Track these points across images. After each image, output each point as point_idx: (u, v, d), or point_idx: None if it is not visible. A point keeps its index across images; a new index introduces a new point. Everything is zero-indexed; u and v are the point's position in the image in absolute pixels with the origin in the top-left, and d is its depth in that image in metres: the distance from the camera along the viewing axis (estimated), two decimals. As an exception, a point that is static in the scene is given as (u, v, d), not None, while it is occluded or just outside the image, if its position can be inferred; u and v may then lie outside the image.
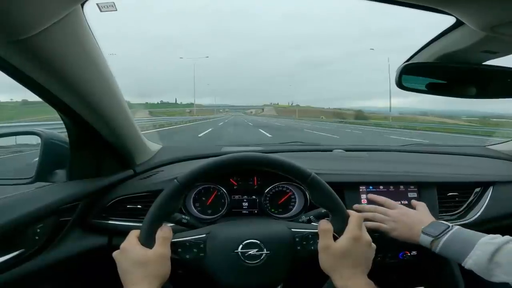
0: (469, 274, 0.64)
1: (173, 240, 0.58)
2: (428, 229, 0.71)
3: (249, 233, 0.62)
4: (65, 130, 0.79)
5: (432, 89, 0.66)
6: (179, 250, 0.59)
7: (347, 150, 1.21)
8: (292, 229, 0.64)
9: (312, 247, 0.60)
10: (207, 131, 12.12)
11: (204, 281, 0.63)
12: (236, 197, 0.92)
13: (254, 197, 0.93)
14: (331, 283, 0.56)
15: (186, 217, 0.76)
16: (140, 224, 0.58)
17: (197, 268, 0.60)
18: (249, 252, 0.59)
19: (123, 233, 0.60)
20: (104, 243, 0.84)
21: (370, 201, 0.87)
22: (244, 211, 0.93)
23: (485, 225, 0.91)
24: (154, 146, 1.09)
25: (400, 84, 0.63)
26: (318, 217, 0.78)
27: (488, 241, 0.63)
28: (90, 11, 0.52)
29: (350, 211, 0.60)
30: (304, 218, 0.80)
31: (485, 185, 0.98)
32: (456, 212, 0.95)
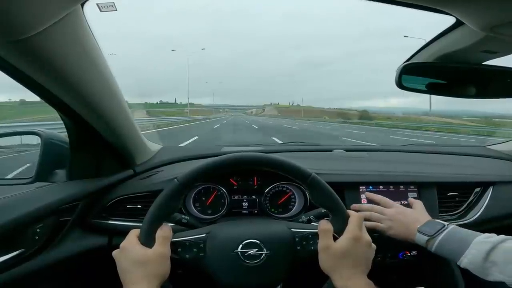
0: (469, 275, 0.64)
1: (173, 239, 0.59)
2: (424, 228, 0.71)
3: (249, 233, 0.62)
4: (65, 130, 0.79)
5: (432, 89, 0.66)
6: (179, 249, 0.60)
7: (347, 150, 1.21)
8: (292, 229, 0.64)
9: (312, 247, 0.60)
10: (188, 142, 7.97)
11: (204, 281, 0.63)
12: (236, 197, 0.92)
13: (254, 197, 0.93)
14: (331, 283, 0.56)
15: (186, 217, 0.76)
16: (140, 224, 0.58)
17: (196, 268, 0.60)
18: (249, 252, 0.59)
19: (123, 233, 0.60)
20: (104, 243, 0.84)
21: (368, 200, 0.87)
22: (244, 211, 0.93)
23: (485, 225, 0.91)
24: (154, 146, 1.09)
25: (400, 84, 0.63)
26: (318, 217, 0.78)
27: (483, 240, 0.63)
28: (90, 11, 0.52)
29: (350, 211, 0.60)
30: (304, 218, 0.80)
31: (485, 185, 0.98)
32: (456, 212, 0.95)
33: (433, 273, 1.00)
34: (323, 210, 0.64)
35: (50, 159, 0.81)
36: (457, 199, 0.97)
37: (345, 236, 0.56)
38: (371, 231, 0.72)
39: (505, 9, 0.39)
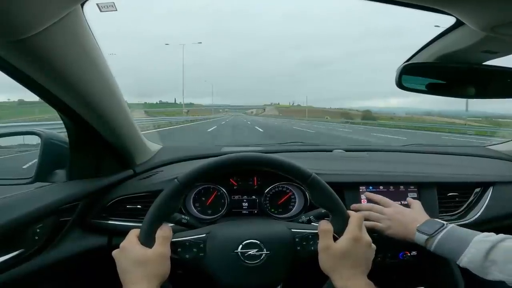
0: (468, 274, 0.64)
1: (173, 239, 0.59)
2: (423, 227, 0.71)
3: (249, 233, 0.62)
4: (65, 130, 0.79)
5: (432, 89, 0.66)
6: (179, 249, 0.60)
7: (347, 150, 1.21)
8: (292, 230, 0.63)
9: (312, 248, 0.60)
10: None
11: (204, 281, 0.63)
12: (236, 197, 0.92)
13: (254, 197, 0.93)
14: (330, 283, 0.56)
15: (186, 217, 0.76)
16: (140, 224, 0.58)
17: (196, 268, 0.60)
18: (249, 252, 0.59)
19: (123, 233, 0.60)
20: (104, 243, 0.84)
21: (368, 200, 0.87)
22: (244, 211, 0.92)
23: (485, 226, 0.91)
24: (154, 146, 1.09)
25: (400, 84, 0.63)
26: (318, 217, 0.78)
27: (482, 239, 0.63)
28: (90, 11, 0.52)
29: (350, 212, 0.60)
30: (304, 218, 0.80)
31: (485, 185, 0.98)
32: (456, 212, 0.95)
33: (433, 273, 1.00)
34: (323, 210, 0.64)
35: (50, 159, 0.81)
36: (457, 199, 0.97)
37: (345, 237, 0.56)
38: (371, 230, 0.72)
39: (505, 9, 0.39)
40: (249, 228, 0.65)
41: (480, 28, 0.44)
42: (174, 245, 0.59)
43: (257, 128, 15.98)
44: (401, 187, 0.94)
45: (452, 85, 0.65)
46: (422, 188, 0.94)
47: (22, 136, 0.94)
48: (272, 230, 0.64)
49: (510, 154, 1.23)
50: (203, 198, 0.91)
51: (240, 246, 0.60)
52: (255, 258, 0.59)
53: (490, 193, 0.97)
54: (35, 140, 0.83)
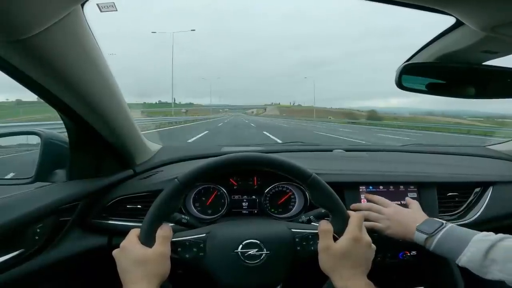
0: (468, 274, 0.64)
1: (173, 239, 0.59)
2: (422, 227, 0.71)
3: (249, 233, 0.62)
4: (65, 130, 0.79)
5: (432, 89, 0.66)
6: (179, 249, 0.60)
7: (347, 150, 1.21)
8: (292, 230, 0.64)
9: (312, 248, 0.60)
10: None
11: (204, 281, 0.63)
12: (236, 197, 0.92)
13: (254, 197, 0.93)
14: (330, 283, 0.56)
15: (186, 217, 0.76)
16: (140, 224, 0.58)
17: (196, 268, 0.60)
18: (249, 252, 0.59)
19: (123, 233, 0.60)
20: (104, 243, 0.84)
21: (367, 200, 0.88)
22: (244, 211, 0.93)
23: (485, 225, 0.91)
24: (154, 146, 1.09)
25: (399, 84, 0.63)
26: (318, 217, 0.78)
27: (482, 238, 0.63)
28: (90, 11, 0.52)
29: (350, 212, 0.60)
30: (304, 218, 0.80)
31: (485, 185, 0.98)
32: (456, 212, 0.95)
33: (433, 273, 1.00)
34: (323, 210, 0.64)
35: (50, 159, 0.81)
36: (457, 199, 0.97)
37: (345, 237, 0.56)
38: (370, 231, 0.73)
39: (505, 9, 0.39)
40: (249, 228, 0.66)
41: (480, 28, 0.44)
42: (174, 245, 0.59)
43: (266, 133, 11.40)
44: (401, 187, 0.94)
45: (452, 85, 0.65)
46: (422, 188, 0.94)
47: (22, 136, 0.94)
48: (272, 230, 0.64)
49: (510, 154, 1.23)
50: (203, 198, 0.91)
51: (240, 246, 0.60)
52: (255, 258, 0.59)
53: (490, 193, 0.97)
54: (35, 140, 0.83)
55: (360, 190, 0.92)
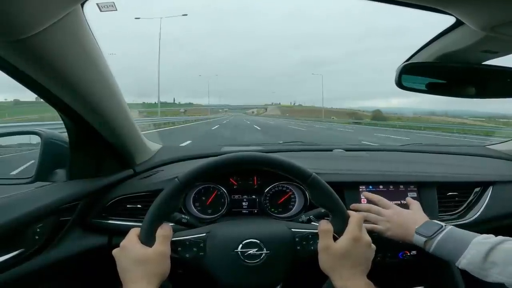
0: (469, 276, 0.64)
1: (173, 239, 0.59)
2: (421, 229, 0.71)
3: (249, 232, 0.62)
4: (65, 130, 0.79)
5: (432, 89, 0.66)
6: (179, 249, 0.60)
7: (347, 150, 1.21)
8: (292, 229, 0.64)
9: (312, 247, 0.60)
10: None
11: (204, 281, 0.63)
12: (236, 196, 0.93)
13: (254, 196, 0.93)
14: (330, 283, 0.56)
15: (186, 217, 0.76)
16: (140, 224, 0.58)
17: (196, 267, 0.61)
18: (249, 252, 0.59)
19: (123, 232, 0.60)
20: (104, 242, 0.84)
21: (367, 200, 0.87)
22: (244, 211, 0.93)
23: (485, 225, 0.91)
24: (154, 145, 1.09)
25: (399, 84, 0.63)
26: (318, 217, 0.78)
27: (482, 241, 0.63)
28: (90, 11, 0.52)
29: (350, 212, 0.60)
30: (304, 218, 0.80)
31: (485, 185, 0.98)
32: (456, 212, 0.95)
33: (433, 272, 1.00)
34: (323, 210, 0.64)
35: (50, 159, 0.81)
36: (456, 199, 0.97)
37: (345, 237, 0.56)
38: (369, 232, 0.73)
39: (505, 9, 0.39)
40: (249, 227, 0.66)
41: (480, 28, 0.44)
42: (174, 244, 0.59)
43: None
44: (401, 186, 0.94)
45: (452, 84, 0.65)
46: (422, 188, 0.94)
47: (22, 136, 0.94)
48: (272, 229, 0.64)
49: (510, 153, 1.23)
50: (203, 198, 0.91)
51: (240, 245, 0.60)
52: (255, 257, 0.59)
53: (490, 192, 0.97)
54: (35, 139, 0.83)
55: (360, 190, 0.92)
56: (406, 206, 0.82)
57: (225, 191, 0.91)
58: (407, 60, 0.63)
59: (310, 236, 0.62)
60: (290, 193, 0.93)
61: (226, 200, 0.91)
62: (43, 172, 0.80)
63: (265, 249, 0.60)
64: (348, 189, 0.91)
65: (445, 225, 0.70)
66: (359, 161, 1.09)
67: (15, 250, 0.66)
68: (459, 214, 0.95)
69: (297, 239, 0.62)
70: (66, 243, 0.77)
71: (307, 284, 0.78)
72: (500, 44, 0.51)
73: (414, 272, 1.03)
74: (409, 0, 0.39)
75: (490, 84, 0.63)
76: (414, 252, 0.92)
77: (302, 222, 0.79)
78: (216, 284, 0.60)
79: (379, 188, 0.93)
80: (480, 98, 0.66)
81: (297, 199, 0.92)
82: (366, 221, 0.78)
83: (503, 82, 0.63)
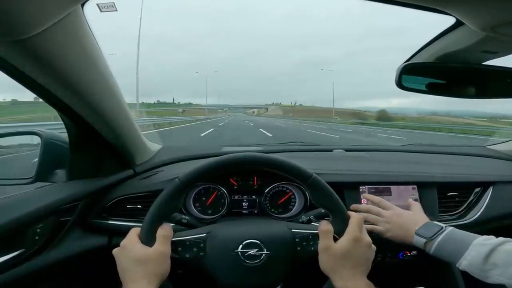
0: (469, 276, 0.64)
1: (173, 239, 0.59)
2: (421, 231, 0.71)
3: (249, 233, 0.62)
4: (65, 130, 0.79)
5: (432, 89, 0.66)
6: (179, 249, 0.60)
7: (347, 150, 1.21)
8: (292, 230, 0.64)
9: (312, 248, 0.60)
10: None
11: (204, 281, 0.63)
12: (236, 197, 0.92)
13: (254, 197, 0.93)
14: (330, 283, 0.56)
15: (186, 217, 0.76)
16: (140, 224, 0.58)
17: (197, 267, 0.60)
18: (249, 252, 0.59)
19: (123, 233, 0.60)
20: (104, 243, 0.84)
21: (367, 201, 0.87)
22: (244, 211, 0.93)
23: (485, 225, 0.91)
24: (154, 146, 1.09)
25: (399, 84, 0.63)
26: (318, 217, 0.78)
27: (482, 242, 0.63)
28: (90, 11, 0.52)
29: (350, 212, 0.60)
30: (304, 218, 0.80)
31: (485, 185, 0.98)
32: (456, 212, 0.95)
33: (434, 273, 1.00)
34: (323, 210, 0.64)
35: (50, 159, 0.81)
36: (457, 199, 0.97)
37: (345, 237, 0.56)
38: (369, 232, 0.72)
39: (505, 9, 0.39)
40: (249, 228, 0.66)
41: (480, 28, 0.44)
42: (174, 244, 0.59)
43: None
44: (401, 187, 0.94)
45: (452, 85, 0.65)
46: (422, 188, 0.94)
47: (23, 136, 0.94)
48: (272, 230, 0.64)
49: (510, 153, 1.23)
50: (203, 198, 0.91)
51: (240, 246, 0.60)
52: (255, 258, 0.59)
53: (490, 193, 0.97)
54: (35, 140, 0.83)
55: (360, 190, 0.92)
56: (406, 207, 0.82)
57: (225, 191, 0.91)
58: (407, 60, 0.63)
59: (310, 237, 0.62)
60: (290, 193, 0.93)
61: (226, 201, 0.91)
62: (43, 173, 0.80)
63: (265, 249, 0.60)
64: (348, 190, 0.91)
65: (445, 226, 0.70)
66: (359, 161, 1.09)
67: (15, 251, 0.66)
68: (459, 214, 0.95)
69: (297, 240, 0.62)
70: (66, 244, 0.77)
71: (307, 284, 0.78)
72: (500, 44, 0.51)
73: (414, 273, 1.03)
74: (409, 0, 0.39)
75: (490, 84, 0.63)
76: (414, 253, 0.92)
77: (302, 222, 0.79)
78: (216, 285, 0.60)
79: (379, 188, 0.93)
80: (480, 98, 0.66)
81: (297, 200, 0.92)
82: (366, 222, 0.78)
83: (503, 82, 0.63)
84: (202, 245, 0.60)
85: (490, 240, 0.63)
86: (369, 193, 0.91)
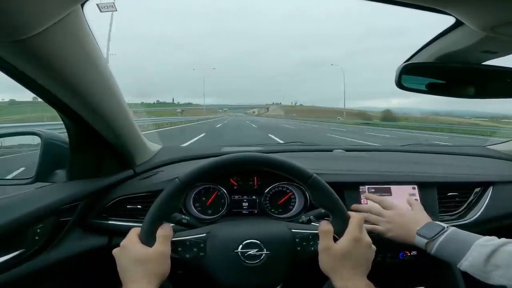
0: (470, 277, 0.64)
1: (173, 239, 0.59)
2: (423, 231, 0.70)
3: (249, 233, 0.62)
4: (65, 130, 0.79)
5: (432, 89, 0.66)
6: (179, 249, 0.60)
7: (347, 150, 1.21)
8: (292, 230, 0.64)
9: (312, 248, 0.60)
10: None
11: (204, 281, 0.63)
12: (236, 197, 0.92)
13: (254, 197, 0.93)
14: (330, 284, 0.56)
15: (186, 217, 0.76)
16: (140, 224, 0.58)
17: (197, 267, 0.60)
18: (249, 252, 0.59)
19: (123, 233, 0.60)
20: (104, 243, 0.84)
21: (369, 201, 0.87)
22: (244, 211, 0.93)
23: (485, 225, 0.91)
24: (154, 146, 1.09)
25: (399, 84, 0.63)
26: (318, 217, 0.78)
27: (484, 243, 0.62)
28: (90, 11, 0.52)
29: (350, 213, 0.60)
30: (304, 218, 0.80)
31: (485, 185, 0.98)
32: (456, 212, 0.95)
33: (434, 273, 1.00)
34: (323, 211, 0.64)
35: (50, 159, 0.81)
36: (457, 199, 0.97)
37: (346, 237, 0.56)
38: (370, 232, 0.72)
39: (505, 9, 0.39)
40: (249, 228, 0.66)
41: (480, 28, 0.44)
42: (174, 244, 0.59)
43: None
44: (401, 186, 0.94)
45: (451, 85, 0.65)
46: (422, 188, 0.94)
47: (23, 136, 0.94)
48: (272, 230, 0.64)
49: (510, 153, 1.23)
50: (203, 198, 0.91)
51: (240, 246, 0.60)
52: (255, 258, 0.59)
53: (490, 193, 0.97)
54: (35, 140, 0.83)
55: (360, 190, 0.92)
56: (407, 207, 0.82)
57: (225, 191, 0.91)
58: (407, 60, 0.63)
59: (310, 237, 0.62)
60: (290, 193, 0.93)
61: (226, 201, 0.91)
62: (43, 173, 0.80)
63: (265, 249, 0.60)
64: (348, 190, 0.91)
65: (447, 227, 0.69)
66: (359, 161, 1.09)
67: (16, 251, 0.66)
68: (459, 214, 0.95)
69: (297, 240, 0.62)
70: (66, 244, 0.77)
71: (307, 284, 0.78)
72: (500, 44, 0.51)
73: (414, 273, 1.03)
74: (409, 0, 0.39)
75: (490, 84, 0.63)
76: (414, 253, 0.92)
77: (302, 222, 0.79)
78: (216, 285, 0.60)
79: (379, 188, 0.93)
80: (480, 98, 0.66)
81: (297, 200, 0.92)
82: (367, 222, 0.78)
83: (503, 82, 0.63)
84: (202, 245, 0.60)
85: (492, 241, 0.62)
86: (369, 193, 0.90)
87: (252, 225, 0.70)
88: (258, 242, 0.60)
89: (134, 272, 0.54)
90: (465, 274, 0.64)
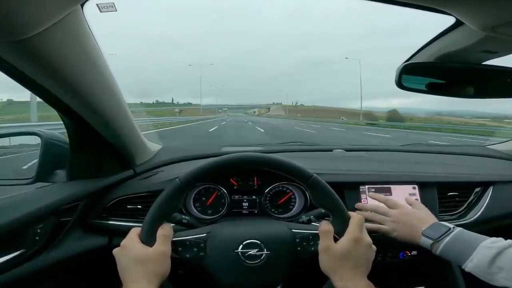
0: (469, 274, 0.64)
1: (173, 239, 0.59)
2: (428, 232, 0.70)
3: (250, 233, 0.62)
4: (65, 130, 0.79)
5: (432, 89, 0.66)
6: (180, 249, 0.60)
7: (347, 150, 1.21)
8: (293, 230, 0.64)
9: (313, 248, 0.60)
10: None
11: (204, 281, 0.63)
12: (236, 197, 0.92)
13: (254, 197, 0.93)
14: (331, 284, 0.56)
15: (186, 217, 0.76)
16: (140, 224, 0.58)
17: (197, 267, 0.61)
18: (249, 252, 0.59)
19: (123, 233, 0.60)
20: (104, 243, 0.84)
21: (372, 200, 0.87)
22: (244, 211, 0.93)
23: (485, 225, 0.92)
24: (154, 146, 1.09)
25: (400, 84, 0.63)
26: (319, 217, 0.78)
27: (489, 245, 0.62)
28: (90, 11, 0.52)
29: (351, 213, 0.60)
30: (304, 218, 0.80)
31: (485, 185, 0.98)
32: (456, 212, 0.95)
33: (434, 273, 1.00)
34: (324, 210, 0.64)
35: (50, 159, 0.81)
36: (457, 199, 0.97)
37: (346, 238, 0.56)
38: (372, 231, 0.72)
39: (505, 9, 0.39)
40: (249, 228, 0.66)
41: (480, 28, 0.44)
42: (174, 244, 0.59)
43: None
44: (401, 186, 0.94)
45: (451, 84, 0.65)
46: (422, 188, 0.94)
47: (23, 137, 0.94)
48: (272, 230, 0.64)
49: (510, 153, 1.23)
50: (203, 198, 0.91)
51: (241, 246, 0.60)
52: (256, 258, 0.59)
53: (490, 192, 0.97)
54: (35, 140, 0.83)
55: (361, 190, 0.92)
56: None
57: (225, 191, 0.91)
58: (407, 60, 0.63)
59: (310, 237, 0.62)
60: (290, 193, 0.93)
61: (227, 201, 0.91)
62: (44, 173, 0.80)
63: (265, 249, 0.60)
64: (349, 189, 0.91)
65: (453, 227, 0.69)
66: (359, 161, 1.09)
67: (16, 251, 0.66)
68: (459, 214, 0.95)
69: (297, 240, 0.62)
70: (67, 244, 0.77)
71: (308, 285, 0.78)
72: (500, 44, 0.51)
73: (414, 273, 1.03)
74: (409, 0, 0.39)
75: (490, 84, 0.63)
76: (414, 253, 0.92)
77: (303, 222, 0.79)
78: (216, 285, 0.60)
79: (380, 188, 0.93)
80: (480, 98, 0.67)
81: (297, 200, 0.92)
82: (370, 220, 0.78)
83: (503, 82, 0.63)
84: (202, 245, 0.60)
85: (497, 243, 0.62)
86: (369, 193, 0.90)
87: (252, 225, 0.70)
88: (258, 242, 0.60)
89: (134, 272, 0.54)
90: (467, 275, 0.64)
